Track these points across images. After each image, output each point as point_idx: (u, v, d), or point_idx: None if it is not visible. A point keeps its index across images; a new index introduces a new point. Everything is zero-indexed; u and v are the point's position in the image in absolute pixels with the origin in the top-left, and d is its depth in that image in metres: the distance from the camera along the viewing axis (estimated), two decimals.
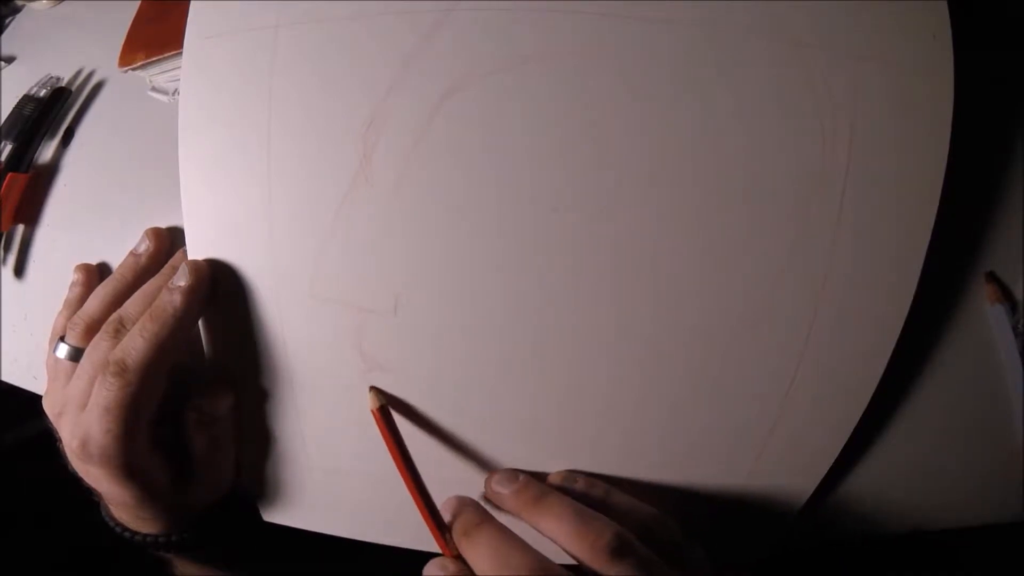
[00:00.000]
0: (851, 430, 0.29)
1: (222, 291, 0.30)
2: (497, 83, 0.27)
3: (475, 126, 0.27)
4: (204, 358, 0.32)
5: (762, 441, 0.29)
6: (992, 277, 0.30)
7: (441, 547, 0.27)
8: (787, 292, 0.27)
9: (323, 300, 0.29)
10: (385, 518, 0.32)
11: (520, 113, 0.27)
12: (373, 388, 0.30)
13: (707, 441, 0.29)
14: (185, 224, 0.30)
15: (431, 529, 0.28)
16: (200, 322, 0.31)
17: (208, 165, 0.30)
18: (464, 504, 0.28)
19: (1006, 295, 0.30)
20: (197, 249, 0.30)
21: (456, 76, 0.27)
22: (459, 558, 0.27)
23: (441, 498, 0.28)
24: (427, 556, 0.31)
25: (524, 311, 0.28)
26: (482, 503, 0.29)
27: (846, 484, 0.31)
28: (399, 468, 0.28)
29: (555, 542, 0.26)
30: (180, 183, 0.30)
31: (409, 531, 0.32)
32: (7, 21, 0.47)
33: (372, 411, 0.29)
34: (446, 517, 0.28)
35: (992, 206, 0.30)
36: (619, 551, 0.24)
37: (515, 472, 0.30)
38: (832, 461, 0.29)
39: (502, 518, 0.27)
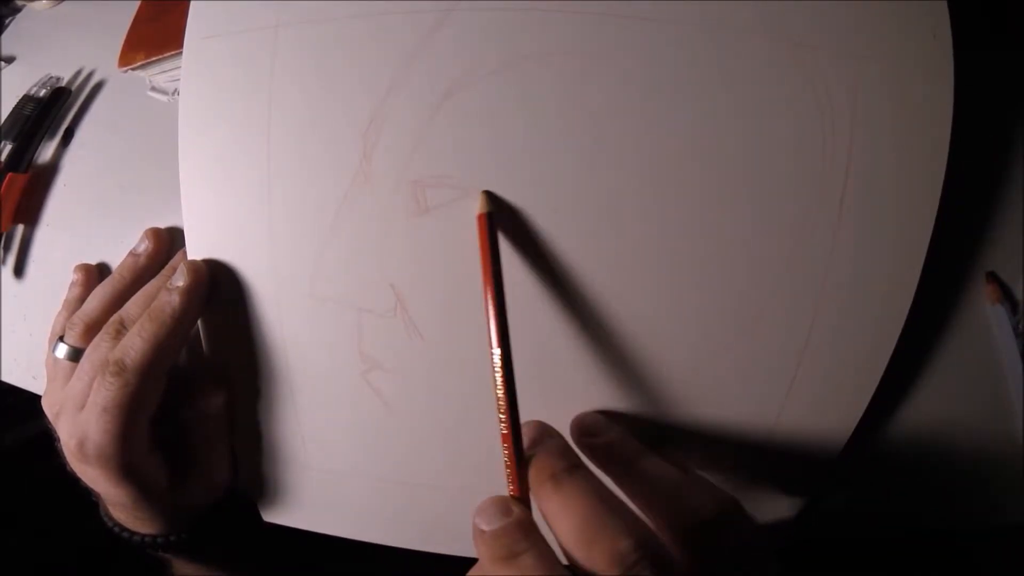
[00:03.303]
0: (849, 432, 0.29)
1: (221, 291, 0.30)
2: (497, 83, 0.27)
3: (475, 126, 0.27)
4: (198, 357, 0.32)
5: (763, 444, 0.29)
6: (992, 277, 0.30)
7: (511, 480, 0.23)
8: (787, 293, 0.27)
9: (323, 300, 0.29)
10: (385, 518, 0.32)
11: (520, 113, 0.27)
12: (486, 192, 0.26)
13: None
14: (185, 224, 0.30)
15: (507, 449, 0.22)
16: (199, 322, 0.31)
17: (208, 165, 0.30)
18: (553, 437, 0.24)
19: (1006, 295, 0.30)
20: (196, 249, 0.30)
21: (456, 76, 0.27)
22: (524, 500, 0.22)
23: None
24: (429, 556, 0.31)
25: (524, 310, 0.28)
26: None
27: (844, 484, 0.30)
28: (488, 306, 0.23)
29: (558, 538, 0.22)
30: (180, 183, 0.30)
31: (409, 531, 0.32)
32: (7, 21, 0.47)
33: (477, 215, 0.25)
34: (525, 445, 0.23)
35: (992, 206, 0.30)
36: (634, 566, 0.20)
37: (547, 429, 0.25)
38: (829, 467, 0.29)
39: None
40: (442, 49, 0.27)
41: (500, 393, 0.23)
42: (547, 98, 0.27)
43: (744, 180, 0.27)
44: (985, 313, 0.30)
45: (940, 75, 0.26)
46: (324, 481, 0.32)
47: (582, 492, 0.21)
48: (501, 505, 0.22)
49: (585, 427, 0.26)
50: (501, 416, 0.23)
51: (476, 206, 0.27)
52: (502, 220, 0.27)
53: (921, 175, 0.27)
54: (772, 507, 0.30)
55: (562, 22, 0.27)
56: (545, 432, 0.24)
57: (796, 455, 0.29)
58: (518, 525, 0.21)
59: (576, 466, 0.23)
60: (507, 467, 0.23)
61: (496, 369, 0.23)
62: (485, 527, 0.21)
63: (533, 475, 0.23)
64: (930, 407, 0.30)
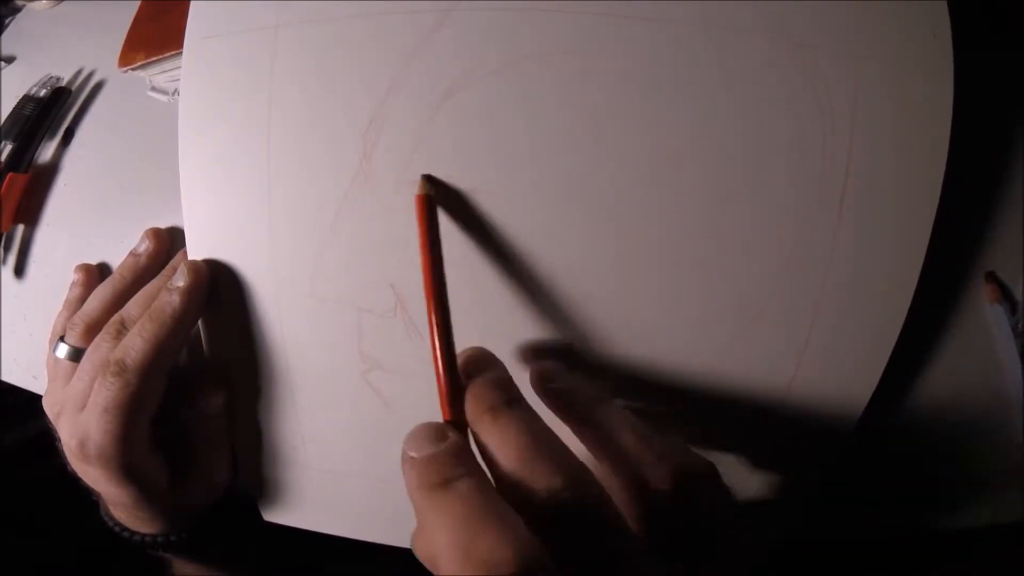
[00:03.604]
0: (849, 432, 0.29)
1: (222, 291, 0.30)
2: (497, 83, 0.27)
3: (475, 126, 0.27)
4: (198, 357, 0.32)
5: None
6: (992, 277, 0.30)
7: (443, 404, 0.22)
8: (787, 293, 0.27)
9: (323, 300, 0.29)
10: (385, 518, 0.32)
11: (520, 113, 0.27)
12: (426, 176, 0.26)
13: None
14: (185, 224, 0.30)
15: (439, 373, 0.22)
16: (200, 322, 0.31)
17: (208, 165, 0.30)
18: (493, 365, 0.23)
19: (1006, 295, 0.30)
20: (197, 249, 0.30)
21: (456, 76, 0.27)
22: (459, 427, 0.21)
23: None
24: None
25: (525, 310, 0.28)
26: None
27: (844, 483, 0.30)
28: (424, 269, 0.23)
29: (492, 472, 0.20)
30: (180, 183, 0.30)
31: (409, 531, 0.32)
32: (7, 21, 0.47)
33: (416, 196, 0.25)
34: (461, 368, 0.22)
35: (992, 206, 0.30)
36: (568, 503, 0.19)
37: (488, 357, 0.23)
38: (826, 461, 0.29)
39: None
40: (442, 49, 0.27)
41: (431, 301, 0.23)
42: (547, 98, 0.27)
43: (744, 180, 0.27)
44: (985, 313, 0.30)
45: (940, 75, 0.26)
46: (324, 481, 0.32)
47: (519, 426, 0.20)
48: (435, 430, 0.20)
49: (544, 372, 0.25)
50: (432, 336, 0.22)
51: (480, 209, 0.27)
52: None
53: (921, 175, 0.27)
54: (773, 505, 0.30)
55: (562, 22, 0.27)
56: (486, 360, 0.23)
57: (795, 455, 0.29)
58: (453, 450, 0.20)
59: (516, 399, 0.22)
60: (439, 389, 0.22)
61: (428, 292, 0.23)
62: (415, 453, 0.20)
63: (470, 406, 0.22)
64: (930, 407, 0.30)
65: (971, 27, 0.26)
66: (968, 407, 0.30)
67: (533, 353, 0.27)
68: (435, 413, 0.30)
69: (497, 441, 0.20)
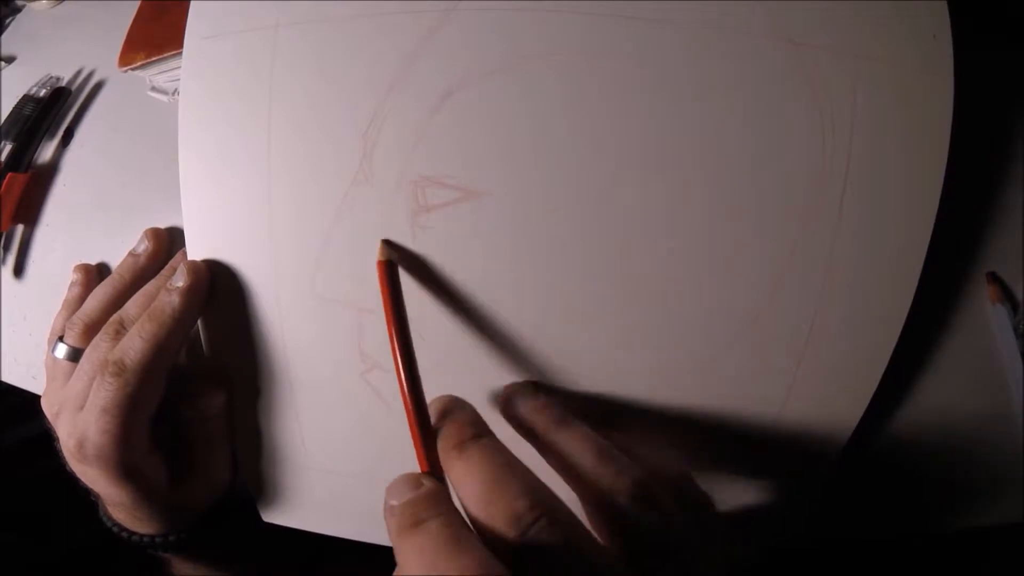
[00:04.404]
0: (850, 432, 0.29)
1: (221, 291, 0.30)
2: (497, 83, 0.27)
3: (476, 125, 0.27)
4: (198, 357, 0.32)
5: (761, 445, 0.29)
6: (993, 277, 0.30)
7: (419, 457, 0.22)
8: (787, 293, 0.27)
9: (323, 300, 0.29)
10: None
11: (520, 113, 0.27)
12: (385, 241, 0.27)
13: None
14: (185, 224, 0.30)
15: (412, 428, 0.22)
16: (200, 322, 0.31)
17: (208, 165, 0.30)
18: (461, 408, 0.23)
19: (1007, 295, 0.30)
20: (196, 249, 0.30)
21: (456, 76, 0.27)
22: (438, 476, 0.22)
23: None
24: None
25: (525, 310, 0.28)
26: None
27: (845, 484, 0.30)
28: (390, 333, 0.24)
29: (463, 505, 0.21)
30: (180, 183, 0.30)
31: None
32: (7, 21, 0.47)
33: (377, 262, 0.26)
34: (433, 420, 0.23)
35: (992, 206, 0.30)
36: (531, 526, 0.19)
37: (456, 402, 0.24)
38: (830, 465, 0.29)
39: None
40: (442, 49, 0.27)
41: (400, 365, 0.23)
42: (548, 97, 0.27)
43: (744, 180, 0.27)
44: (985, 313, 0.30)
45: (940, 75, 0.26)
46: (324, 481, 0.32)
47: (484, 457, 0.21)
48: (411, 480, 0.21)
49: (505, 397, 0.26)
50: (403, 392, 0.23)
51: (481, 209, 0.27)
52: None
53: (921, 175, 0.27)
54: (772, 506, 0.30)
55: (562, 22, 0.27)
56: (454, 405, 0.24)
57: (796, 456, 0.29)
58: (427, 496, 0.21)
59: (481, 434, 0.22)
60: (414, 442, 0.23)
61: (396, 355, 0.24)
62: (394, 501, 0.21)
63: (441, 446, 0.22)
64: (930, 407, 0.30)
65: (971, 27, 0.26)
66: (968, 407, 0.30)
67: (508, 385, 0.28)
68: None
69: (463, 473, 0.21)
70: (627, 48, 0.26)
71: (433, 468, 0.22)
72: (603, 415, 0.29)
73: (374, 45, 0.27)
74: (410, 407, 0.23)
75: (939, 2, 0.26)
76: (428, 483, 0.21)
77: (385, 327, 0.25)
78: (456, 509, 0.21)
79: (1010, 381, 0.29)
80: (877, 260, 0.27)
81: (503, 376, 0.29)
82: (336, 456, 0.32)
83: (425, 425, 0.23)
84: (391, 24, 0.27)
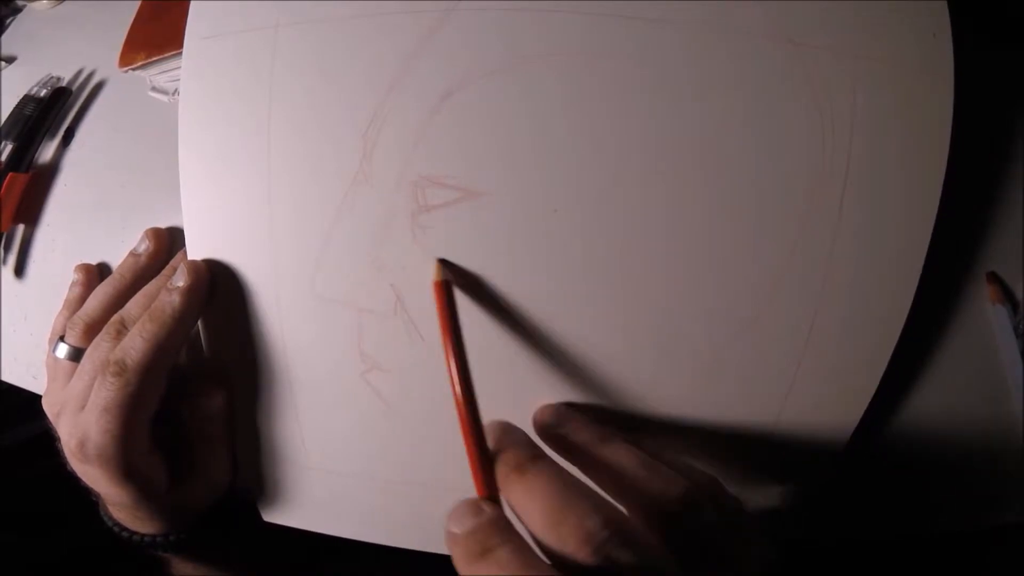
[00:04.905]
0: (850, 432, 0.29)
1: (222, 291, 0.30)
2: (497, 83, 0.27)
3: (476, 125, 0.27)
4: (198, 357, 0.32)
5: (765, 442, 0.29)
6: (994, 277, 0.30)
7: (476, 483, 0.22)
8: (787, 293, 0.27)
9: (323, 300, 0.29)
10: (385, 518, 0.32)
11: (520, 113, 0.27)
12: (441, 260, 0.27)
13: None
14: (185, 224, 0.30)
15: (470, 453, 0.22)
16: (200, 322, 0.31)
17: (208, 165, 0.30)
18: (515, 432, 0.24)
19: (1007, 296, 0.30)
20: (197, 249, 0.30)
21: (456, 76, 0.27)
22: (495, 500, 0.22)
23: None
24: (428, 557, 0.31)
25: (525, 311, 0.28)
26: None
27: (845, 484, 0.30)
28: (447, 355, 0.24)
29: (528, 528, 0.21)
30: (180, 183, 0.30)
31: (409, 532, 0.32)
32: (7, 21, 0.47)
33: (434, 283, 0.26)
34: (490, 444, 0.23)
35: (992, 206, 0.30)
36: (605, 544, 0.19)
37: (510, 425, 0.25)
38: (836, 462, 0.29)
39: None
40: (442, 49, 0.27)
41: (458, 391, 0.23)
42: (548, 98, 0.27)
43: (744, 180, 0.27)
44: (986, 313, 0.30)
45: (940, 75, 0.26)
46: (324, 481, 0.32)
47: (546, 478, 0.21)
48: (472, 507, 0.21)
49: (544, 420, 0.26)
50: (462, 418, 0.23)
51: (480, 209, 0.27)
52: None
53: (921, 175, 0.27)
54: (772, 507, 0.30)
55: (562, 22, 0.27)
56: (507, 430, 0.24)
57: (796, 456, 0.29)
58: (490, 522, 0.21)
59: (539, 456, 0.22)
60: (472, 468, 0.23)
61: (454, 377, 0.24)
62: (457, 530, 0.21)
63: (499, 471, 0.22)
64: (930, 407, 0.30)
65: (971, 27, 0.26)
66: (969, 407, 0.30)
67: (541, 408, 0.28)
68: (434, 413, 0.30)
69: (527, 496, 0.21)
70: (627, 48, 0.26)
71: (492, 494, 0.22)
72: (605, 419, 0.29)
73: (374, 45, 0.28)
74: (468, 431, 0.23)
75: (939, 2, 0.26)
76: (489, 509, 0.21)
77: (443, 351, 0.25)
78: (521, 536, 0.20)
79: (1010, 381, 0.29)
80: (877, 260, 0.27)
81: (502, 377, 0.29)
82: (336, 456, 0.32)
83: (483, 449, 0.23)
84: (391, 24, 0.27)
